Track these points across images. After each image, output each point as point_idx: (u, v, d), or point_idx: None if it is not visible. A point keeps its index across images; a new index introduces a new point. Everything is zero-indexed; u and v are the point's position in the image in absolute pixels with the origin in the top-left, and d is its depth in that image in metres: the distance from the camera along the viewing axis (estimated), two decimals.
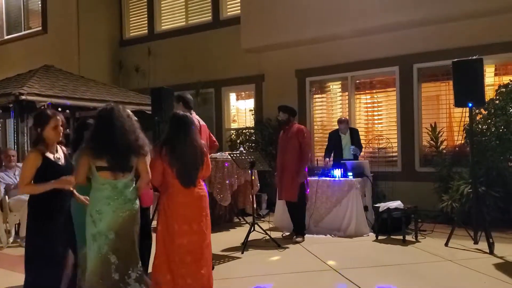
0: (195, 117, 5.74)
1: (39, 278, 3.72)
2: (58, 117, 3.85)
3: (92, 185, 3.80)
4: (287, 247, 6.66)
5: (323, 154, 9.06)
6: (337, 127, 8.82)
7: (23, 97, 8.44)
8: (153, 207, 6.54)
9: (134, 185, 3.89)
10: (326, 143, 9.02)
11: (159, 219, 4.28)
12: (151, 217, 5.35)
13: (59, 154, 3.86)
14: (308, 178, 7.40)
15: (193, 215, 4.25)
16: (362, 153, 9.05)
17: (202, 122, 6.06)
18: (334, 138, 8.78)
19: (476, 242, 6.41)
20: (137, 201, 3.89)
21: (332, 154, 8.74)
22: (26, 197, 7.09)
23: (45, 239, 3.70)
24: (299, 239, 7.06)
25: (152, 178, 4.15)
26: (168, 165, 4.17)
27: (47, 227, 3.72)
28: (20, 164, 7.63)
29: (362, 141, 9.04)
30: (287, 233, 7.43)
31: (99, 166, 3.70)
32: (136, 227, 3.88)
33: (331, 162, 8.58)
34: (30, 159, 3.70)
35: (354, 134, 8.69)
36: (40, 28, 14.38)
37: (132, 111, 4.45)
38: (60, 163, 3.82)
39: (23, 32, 15.19)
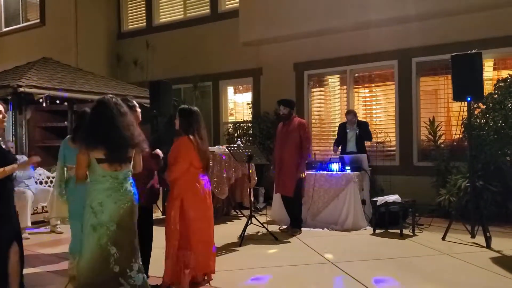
0: None
1: None
2: None
3: (90, 178, 3.77)
4: (284, 240, 6.68)
5: (320, 148, 9.01)
6: (334, 121, 8.80)
7: (22, 89, 8.41)
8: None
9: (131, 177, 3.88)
10: (325, 137, 8.99)
11: (181, 206, 4.59)
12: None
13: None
14: (306, 172, 7.37)
15: (207, 201, 4.76)
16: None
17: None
18: (341, 130, 8.79)
19: (473, 236, 6.43)
20: (136, 193, 3.87)
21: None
22: (24, 189, 7.16)
23: None
24: (296, 232, 7.07)
25: (179, 169, 4.58)
26: (198, 153, 4.60)
27: None
28: (18, 157, 7.62)
29: None
30: (284, 227, 7.44)
31: (99, 158, 3.67)
32: (136, 218, 3.86)
33: (339, 152, 8.57)
34: None
35: (362, 126, 8.62)
36: (38, 20, 14.33)
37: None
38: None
39: (21, 25, 15.13)
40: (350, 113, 8.73)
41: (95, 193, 3.70)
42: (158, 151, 4.67)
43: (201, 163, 4.67)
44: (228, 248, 6.29)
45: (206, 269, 4.77)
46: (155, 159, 4.59)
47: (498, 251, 5.86)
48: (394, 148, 9.55)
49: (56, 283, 4.93)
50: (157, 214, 7.49)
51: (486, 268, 5.17)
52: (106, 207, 3.66)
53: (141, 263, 3.84)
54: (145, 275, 3.85)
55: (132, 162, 3.85)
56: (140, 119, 4.71)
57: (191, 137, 4.61)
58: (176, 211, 4.58)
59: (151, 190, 4.68)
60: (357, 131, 8.49)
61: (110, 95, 3.88)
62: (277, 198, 7.79)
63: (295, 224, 7.18)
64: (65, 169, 4.91)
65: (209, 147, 7.91)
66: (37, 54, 11.58)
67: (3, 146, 3.88)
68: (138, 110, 4.66)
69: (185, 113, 4.75)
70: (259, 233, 7.05)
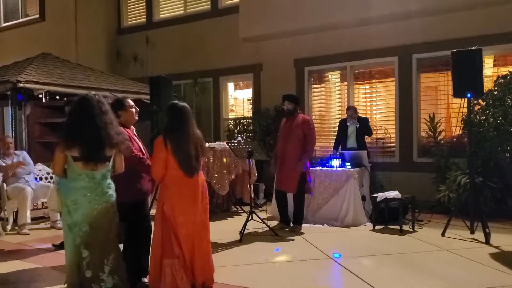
0: None
1: None
2: None
3: (68, 175, 3.69)
4: (284, 236, 6.69)
5: (320, 144, 9.01)
6: (335, 117, 8.83)
7: (21, 84, 8.40)
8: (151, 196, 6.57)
9: (110, 177, 3.81)
10: (325, 133, 9.01)
11: (162, 211, 4.29)
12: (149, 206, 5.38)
13: None
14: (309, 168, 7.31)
15: (197, 205, 4.36)
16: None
17: None
18: (341, 126, 8.85)
19: (472, 232, 6.45)
20: (114, 194, 3.80)
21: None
22: (24, 185, 7.16)
23: None
24: (296, 228, 7.07)
25: (154, 171, 4.28)
26: (173, 155, 4.19)
27: None
28: (17, 152, 7.63)
29: None
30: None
31: (75, 156, 3.60)
32: (112, 220, 3.78)
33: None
34: None
35: (362, 122, 8.71)
36: (38, 15, 14.32)
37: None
38: None
39: (20, 20, 15.12)
40: (351, 109, 8.81)
41: (71, 191, 3.64)
42: None
43: (179, 166, 4.22)
44: (228, 244, 6.29)
45: (202, 277, 4.47)
46: (138, 161, 4.43)
47: (497, 247, 5.88)
48: (394, 144, 9.55)
49: (55, 278, 4.92)
50: None
51: (485, 263, 5.19)
52: (80, 205, 3.61)
53: (112, 265, 3.72)
54: (116, 277, 3.73)
55: (111, 162, 3.77)
56: (136, 118, 4.66)
57: (162, 137, 4.26)
58: (159, 216, 4.32)
59: (139, 186, 4.53)
60: (357, 125, 8.56)
61: (93, 92, 3.81)
62: None
63: (296, 220, 7.17)
64: None
65: (210, 144, 7.99)
66: (36, 50, 11.59)
67: None
68: (132, 110, 4.58)
69: (169, 111, 4.43)
70: (259, 229, 7.06)
